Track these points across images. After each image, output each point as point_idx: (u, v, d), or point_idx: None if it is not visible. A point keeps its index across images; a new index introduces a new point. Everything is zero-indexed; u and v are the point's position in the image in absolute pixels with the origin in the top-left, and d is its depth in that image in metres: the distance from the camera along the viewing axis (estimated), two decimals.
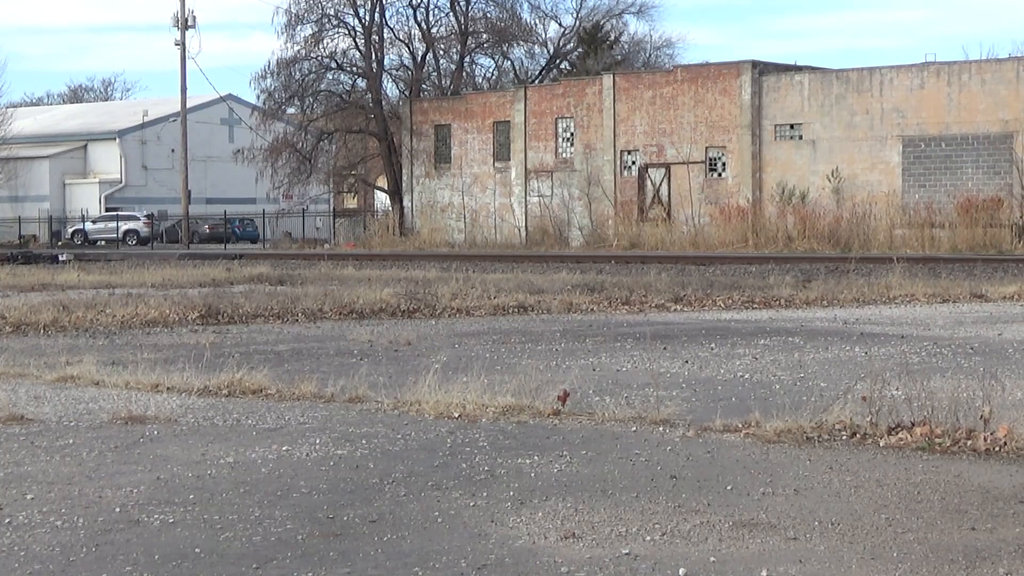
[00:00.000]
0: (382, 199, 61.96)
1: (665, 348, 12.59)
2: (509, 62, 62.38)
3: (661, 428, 8.04)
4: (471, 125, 51.72)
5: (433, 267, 26.63)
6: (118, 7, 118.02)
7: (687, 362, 11.50)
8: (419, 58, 59.53)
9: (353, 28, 58.65)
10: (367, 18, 58.01)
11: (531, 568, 5.20)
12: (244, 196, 66.30)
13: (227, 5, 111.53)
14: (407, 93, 57.30)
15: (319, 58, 58.50)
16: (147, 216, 61.43)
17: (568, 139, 49.24)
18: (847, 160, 42.53)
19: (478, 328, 15.20)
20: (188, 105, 56.62)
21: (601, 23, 62.42)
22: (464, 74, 59.58)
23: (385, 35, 58.53)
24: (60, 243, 60.64)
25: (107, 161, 67.78)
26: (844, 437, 7.56)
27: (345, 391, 9.51)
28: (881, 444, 7.38)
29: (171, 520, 5.98)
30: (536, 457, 7.27)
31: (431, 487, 6.59)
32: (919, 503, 6.12)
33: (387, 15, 59.23)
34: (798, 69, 45.01)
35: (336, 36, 59.07)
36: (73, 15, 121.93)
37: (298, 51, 57.58)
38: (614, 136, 47.40)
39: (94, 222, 62.07)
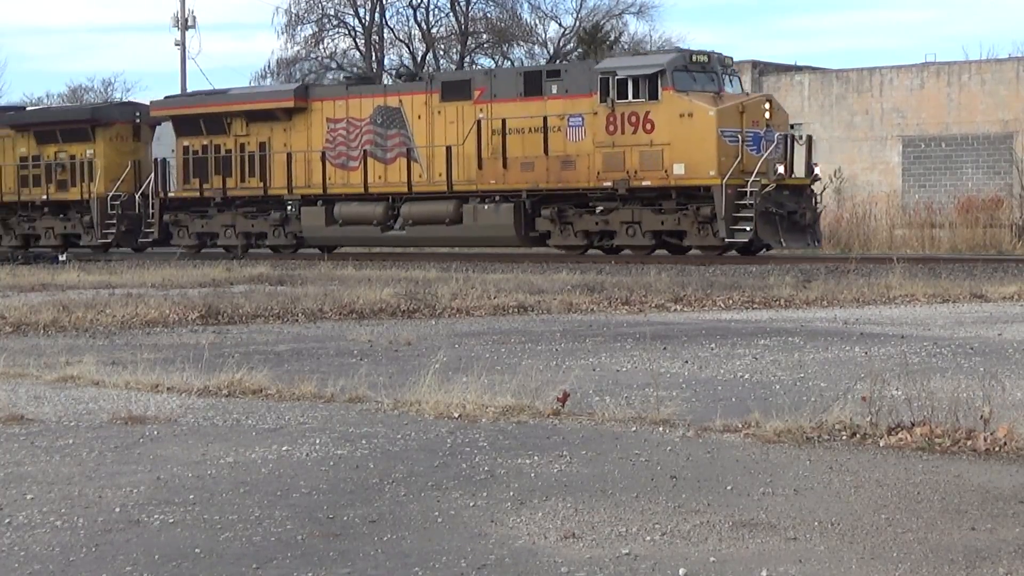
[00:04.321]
0: None
1: (665, 348, 12.58)
2: (509, 62, 62.42)
3: (661, 428, 8.04)
4: None
5: (433, 267, 26.62)
6: (119, 7, 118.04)
7: (687, 362, 11.50)
8: (419, 58, 59.56)
9: (353, 28, 58.74)
10: (367, 18, 58.07)
11: (531, 568, 5.20)
12: None
13: (228, 5, 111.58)
14: None
15: (319, 58, 58.58)
16: None
17: None
18: (847, 160, 42.55)
19: (478, 328, 15.20)
20: None
21: (601, 23, 62.46)
22: None
23: (385, 35, 58.61)
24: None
25: None
26: (844, 437, 7.56)
27: (345, 391, 9.51)
28: (881, 444, 7.38)
29: (171, 520, 5.99)
30: (536, 457, 7.27)
31: (431, 487, 6.60)
32: (919, 503, 6.12)
33: (387, 15, 59.35)
34: (798, 69, 45.03)
35: (336, 36, 59.19)
36: (73, 15, 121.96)
37: (298, 51, 57.72)
38: None
39: None
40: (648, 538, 5.60)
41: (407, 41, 61.01)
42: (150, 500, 6.39)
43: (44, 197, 39.28)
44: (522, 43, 62.32)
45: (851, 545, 5.45)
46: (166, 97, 38.70)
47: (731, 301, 18.15)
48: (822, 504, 6.13)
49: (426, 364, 10.05)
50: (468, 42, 60.83)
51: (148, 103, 38.84)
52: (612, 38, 62.59)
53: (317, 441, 7.86)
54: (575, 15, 63.26)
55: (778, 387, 9.93)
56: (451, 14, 60.90)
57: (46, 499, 6.44)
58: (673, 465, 7.02)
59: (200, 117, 35.57)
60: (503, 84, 31.06)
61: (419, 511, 6.11)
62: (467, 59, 60.42)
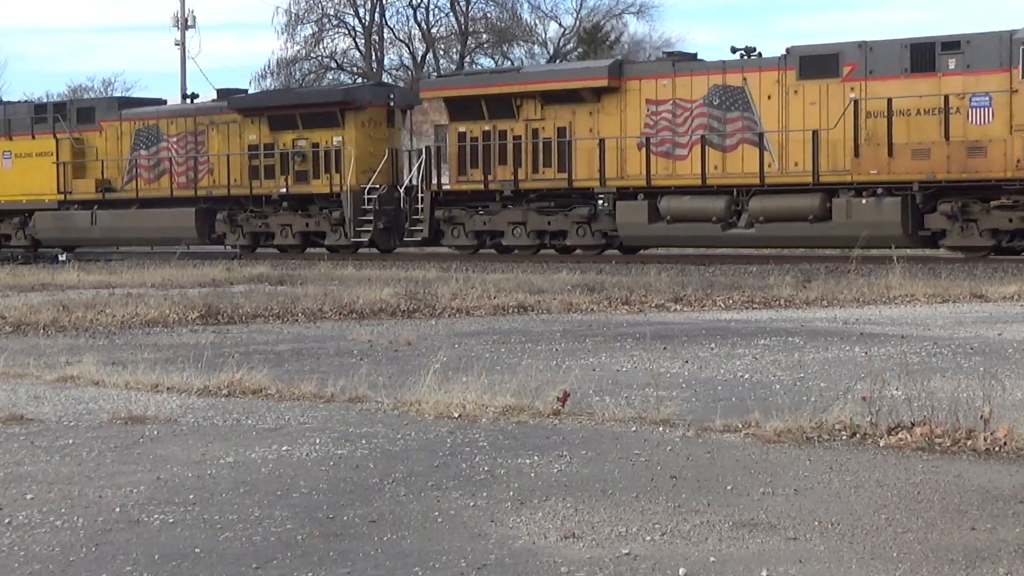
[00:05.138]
0: None
1: (665, 348, 12.59)
2: (509, 62, 62.45)
3: (661, 428, 8.05)
4: None
5: (433, 267, 26.62)
6: (119, 7, 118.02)
7: (687, 362, 11.50)
8: (419, 58, 59.63)
9: (353, 28, 58.79)
10: (367, 18, 58.12)
11: (531, 568, 5.20)
12: None
13: (228, 5, 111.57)
14: None
15: (319, 58, 58.62)
16: None
17: None
18: None
19: (478, 328, 15.20)
20: None
21: (601, 23, 62.49)
22: None
23: (385, 35, 58.67)
24: None
25: None
26: (844, 437, 7.56)
27: (345, 391, 9.51)
28: (881, 444, 7.38)
29: (171, 520, 5.99)
30: (536, 457, 7.27)
31: (431, 487, 6.60)
32: (919, 503, 6.12)
33: (387, 15, 59.40)
34: None
35: (336, 36, 59.23)
36: (73, 15, 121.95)
37: (298, 51, 57.75)
38: None
39: None
40: (648, 538, 5.60)
41: (407, 41, 61.13)
42: (150, 500, 6.39)
43: (283, 190, 33.69)
44: (522, 43, 62.39)
45: (851, 545, 5.45)
46: (438, 76, 33.13)
47: (731, 301, 18.15)
48: (822, 504, 6.13)
49: (426, 364, 10.05)
50: (468, 42, 60.88)
51: (402, 85, 34.88)
52: (612, 38, 62.63)
53: (317, 441, 7.87)
54: (575, 15, 63.34)
55: (778, 387, 9.93)
56: (451, 14, 61.00)
57: (46, 499, 6.44)
58: (673, 465, 7.02)
59: (482, 99, 30.63)
60: (883, 59, 26.21)
61: (419, 511, 6.11)
62: (467, 59, 60.46)
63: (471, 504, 6.25)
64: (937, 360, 11.35)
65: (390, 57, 61.15)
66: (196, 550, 5.49)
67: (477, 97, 30.78)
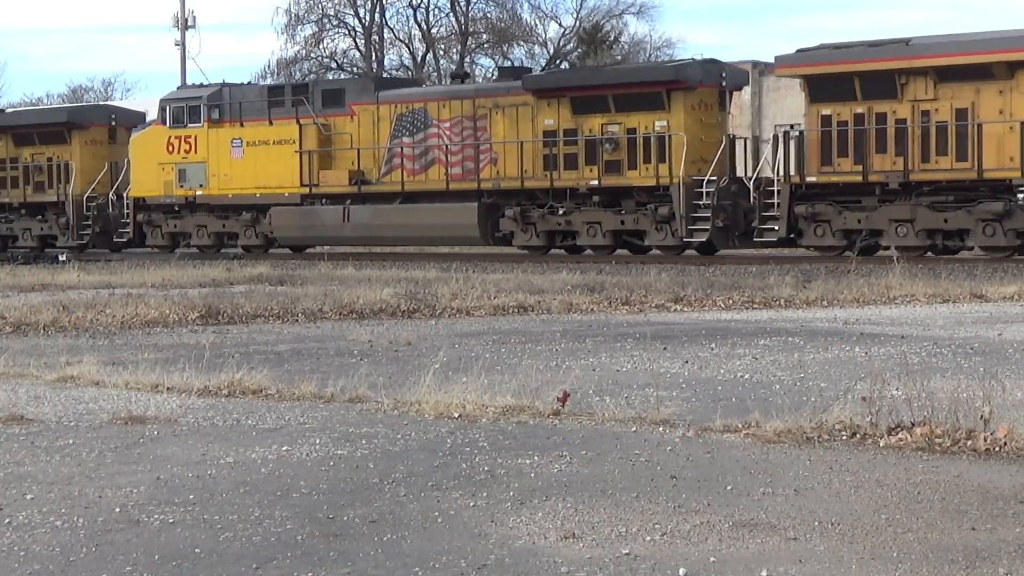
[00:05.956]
0: None
1: (665, 348, 12.59)
2: (509, 62, 62.48)
3: (661, 428, 8.05)
4: None
5: (433, 267, 26.62)
6: (119, 7, 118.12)
7: (687, 362, 11.50)
8: (419, 58, 59.64)
9: (353, 28, 58.81)
10: (367, 18, 58.15)
11: (531, 568, 5.20)
12: None
13: (228, 5, 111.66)
14: None
15: (319, 58, 58.58)
16: None
17: None
18: None
19: (478, 328, 15.20)
20: None
21: (601, 23, 62.48)
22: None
23: (385, 35, 58.71)
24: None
25: None
26: (844, 437, 7.56)
27: (345, 391, 9.51)
28: (881, 444, 7.38)
29: (171, 520, 5.99)
30: (536, 457, 7.28)
31: (431, 487, 6.60)
32: (919, 503, 6.12)
33: (387, 15, 59.42)
34: None
35: (336, 36, 59.21)
36: (73, 15, 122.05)
37: (298, 51, 57.75)
38: None
39: None
40: (648, 538, 5.60)
41: (407, 41, 61.17)
42: (150, 500, 6.39)
43: (594, 182, 29.03)
44: (522, 43, 62.42)
45: (851, 545, 5.45)
46: (798, 51, 28.62)
47: (731, 301, 18.15)
48: (822, 504, 6.13)
49: (426, 364, 10.05)
50: (468, 42, 60.91)
51: (750, 62, 30.58)
52: (612, 38, 62.61)
53: (317, 441, 7.87)
54: (575, 15, 63.33)
55: (778, 387, 9.93)
56: (451, 14, 61.03)
57: (46, 499, 6.44)
58: (673, 465, 7.02)
59: (855, 76, 26.30)
60: None
61: (419, 511, 6.12)
62: (467, 59, 60.48)
63: (471, 504, 6.25)
64: (937, 360, 11.35)
65: (390, 57, 61.25)
66: (196, 550, 5.49)
67: (849, 75, 26.48)
